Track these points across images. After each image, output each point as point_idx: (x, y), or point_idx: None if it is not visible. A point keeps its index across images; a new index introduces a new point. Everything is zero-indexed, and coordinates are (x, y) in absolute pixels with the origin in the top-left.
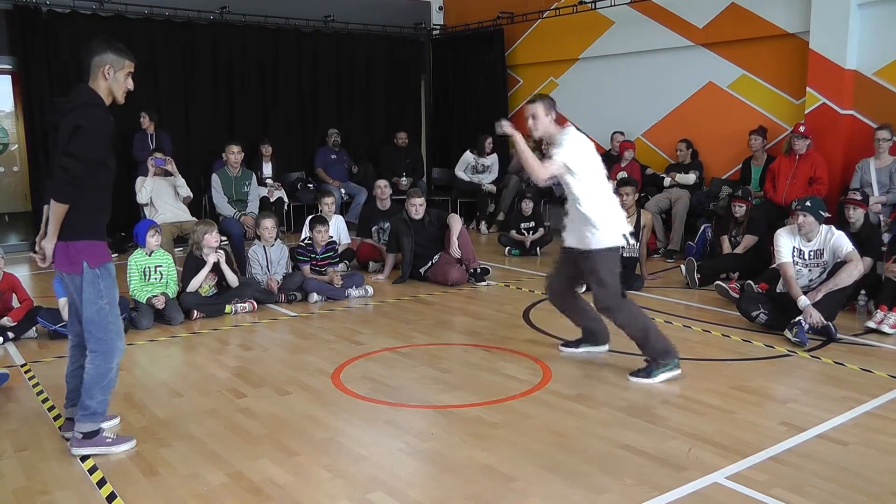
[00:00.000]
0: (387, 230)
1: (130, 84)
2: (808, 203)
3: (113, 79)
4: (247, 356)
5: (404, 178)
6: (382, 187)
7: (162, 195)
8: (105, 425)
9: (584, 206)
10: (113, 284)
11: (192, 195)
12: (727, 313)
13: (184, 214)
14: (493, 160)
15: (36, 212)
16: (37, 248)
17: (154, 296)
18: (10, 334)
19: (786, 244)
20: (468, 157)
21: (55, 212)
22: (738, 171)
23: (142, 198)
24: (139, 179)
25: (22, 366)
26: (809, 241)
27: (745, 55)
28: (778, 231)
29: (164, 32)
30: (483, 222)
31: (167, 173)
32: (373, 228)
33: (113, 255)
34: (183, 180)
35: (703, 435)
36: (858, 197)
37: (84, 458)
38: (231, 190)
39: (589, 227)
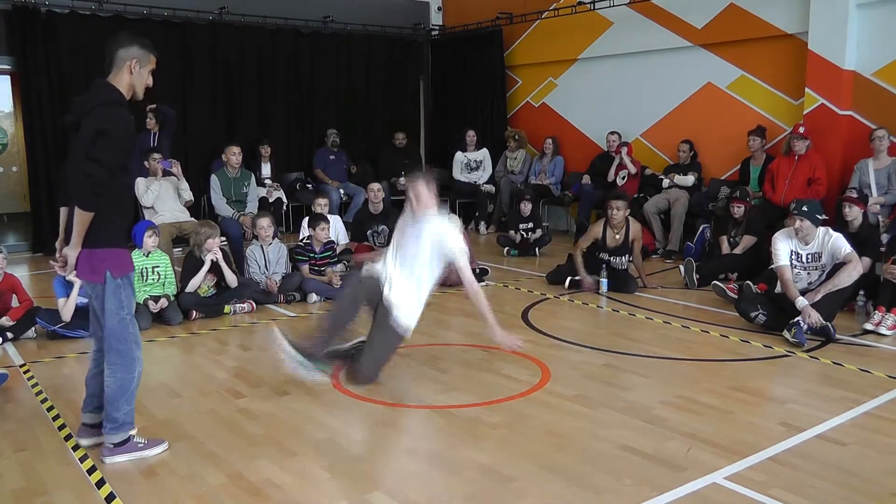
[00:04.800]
0: (381, 233)
1: (151, 80)
2: (804, 208)
3: (138, 74)
4: (246, 356)
5: (403, 179)
6: (375, 191)
7: (163, 197)
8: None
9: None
10: (132, 294)
11: (193, 199)
12: (726, 314)
13: (182, 215)
14: (483, 154)
15: (50, 213)
16: (58, 256)
17: (153, 296)
18: (9, 334)
19: (783, 248)
20: (459, 156)
21: (80, 220)
22: (736, 171)
23: (147, 200)
24: (139, 180)
25: (21, 366)
26: (807, 244)
27: (743, 56)
28: (775, 235)
29: (162, 33)
30: (482, 223)
31: (168, 173)
32: (367, 232)
33: None
34: (186, 184)
35: (701, 435)
36: (854, 195)
37: (83, 458)
38: (230, 191)
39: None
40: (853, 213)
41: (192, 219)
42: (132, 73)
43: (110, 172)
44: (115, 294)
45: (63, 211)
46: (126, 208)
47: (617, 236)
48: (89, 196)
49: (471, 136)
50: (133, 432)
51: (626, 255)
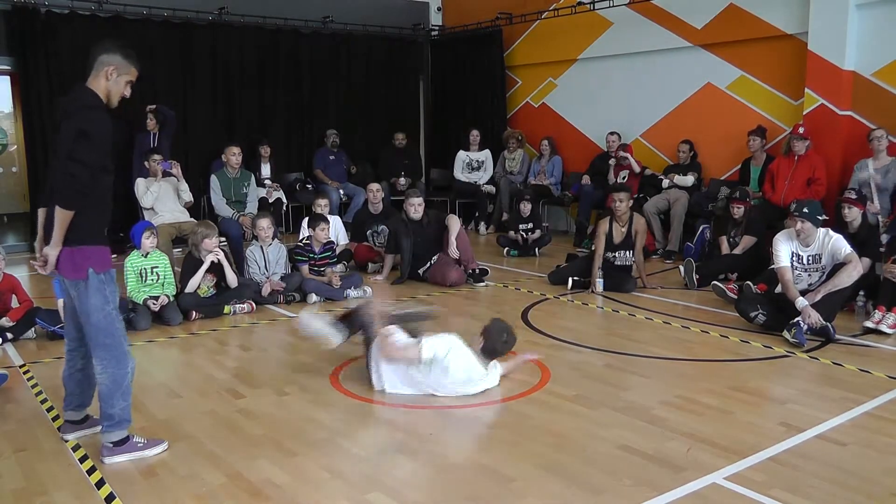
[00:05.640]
0: (381, 233)
1: (128, 92)
2: (805, 209)
3: (114, 81)
4: (245, 357)
5: (402, 179)
6: (375, 191)
7: (163, 198)
8: (91, 431)
9: None
10: (116, 289)
11: (192, 200)
12: (725, 314)
13: (182, 216)
14: (485, 155)
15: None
16: (37, 255)
17: (152, 297)
18: (9, 335)
19: (784, 249)
20: (461, 155)
21: (61, 219)
22: (736, 171)
23: (147, 202)
24: (139, 181)
25: (21, 366)
26: (808, 245)
27: (743, 56)
28: (777, 236)
29: (162, 33)
30: (482, 223)
31: (168, 174)
32: (367, 232)
33: (112, 256)
34: (186, 185)
35: (701, 435)
36: (853, 196)
37: (83, 458)
38: (230, 191)
39: None
40: (852, 214)
41: (192, 219)
42: (108, 80)
43: (92, 172)
44: (100, 290)
45: (41, 211)
46: (106, 207)
47: (623, 229)
48: (74, 196)
49: (474, 135)
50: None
51: (631, 251)
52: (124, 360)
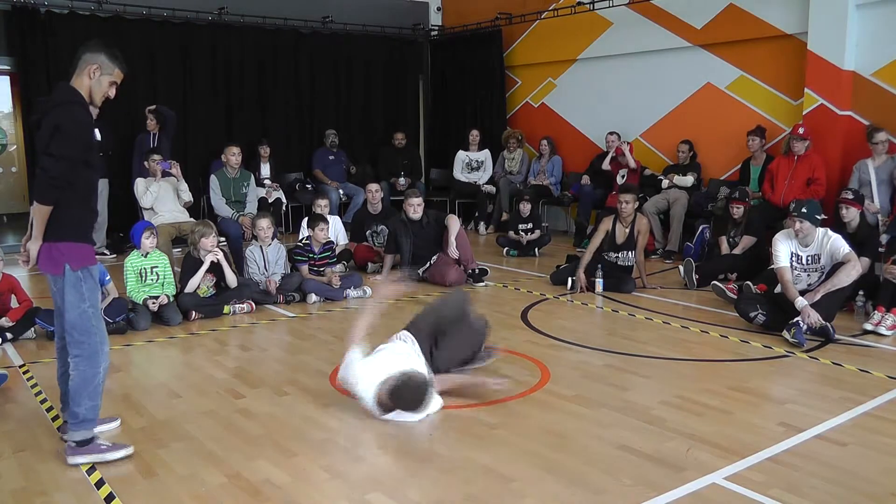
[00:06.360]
0: (380, 233)
1: (112, 93)
2: (803, 209)
3: (96, 80)
4: (245, 357)
5: (402, 179)
6: (374, 191)
7: (162, 198)
8: (105, 428)
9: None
10: (96, 287)
11: (192, 200)
12: (725, 314)
13: (182, 216)
14: (485, 155)
15: None
16: (21, 250)
17: (152, 296)
18: (9, 335)
19: (783, 249)
20: (461, 155)
21: (39, 213)
22: (736, 171)
23: (146, 202)
24: (139, 181)
25: (20, 366)
26: (807, 245)
27: (743, 56)
28: (776, 236)
29: (162, 33)
30: (482, 223)
31: (168, 174)
32: (367, 232)
33: (112, 256)
34: (185, 185)
35: (701, 435)
36: (850, 196)
37: None
38: (229, 191)
39: None
40: (850, 215)
41: (192, 219)
42: (91, 79)
43: (70, 165)
44: (76, 286)
45: (32, 209)
46: (91, 204)
47: (626, 230)
48: (47, 189)
49: (474, 135)
50: (104, 428)
51: (633, 251)
52: (96, 360)
